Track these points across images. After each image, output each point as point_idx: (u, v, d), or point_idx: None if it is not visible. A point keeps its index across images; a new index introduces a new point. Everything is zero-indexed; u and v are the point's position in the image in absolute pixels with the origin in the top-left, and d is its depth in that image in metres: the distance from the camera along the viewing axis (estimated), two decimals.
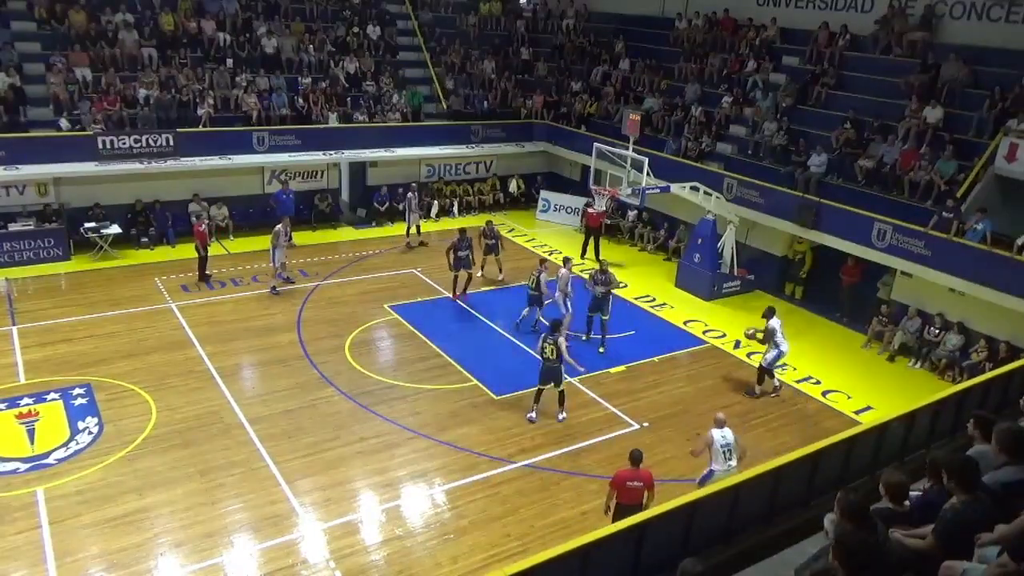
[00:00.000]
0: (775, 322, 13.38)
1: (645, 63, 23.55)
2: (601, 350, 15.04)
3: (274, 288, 16.79)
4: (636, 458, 8.92)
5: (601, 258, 15.15)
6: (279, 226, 16.67)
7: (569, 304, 15.23)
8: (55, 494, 9.91)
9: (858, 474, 7.66)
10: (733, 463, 9.65)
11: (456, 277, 16.94)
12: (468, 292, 17.12)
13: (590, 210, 20.29)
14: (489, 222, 18.31)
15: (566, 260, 15.71)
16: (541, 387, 12.33)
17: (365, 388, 13.06)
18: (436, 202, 23.00)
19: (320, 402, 12.56)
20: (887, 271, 16.39)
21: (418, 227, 20.56)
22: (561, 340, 12.00)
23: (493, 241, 17.92)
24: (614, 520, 8.08)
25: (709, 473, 9.65)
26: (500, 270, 18.33)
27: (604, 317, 15.06)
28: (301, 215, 20.80)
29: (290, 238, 16.96)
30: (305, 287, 17.30)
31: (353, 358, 14.11)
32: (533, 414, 12.38)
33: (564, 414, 12.43)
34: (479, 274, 18.16)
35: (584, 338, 15.39)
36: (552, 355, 11.97)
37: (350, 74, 22.86)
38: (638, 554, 6.13)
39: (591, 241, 20.52)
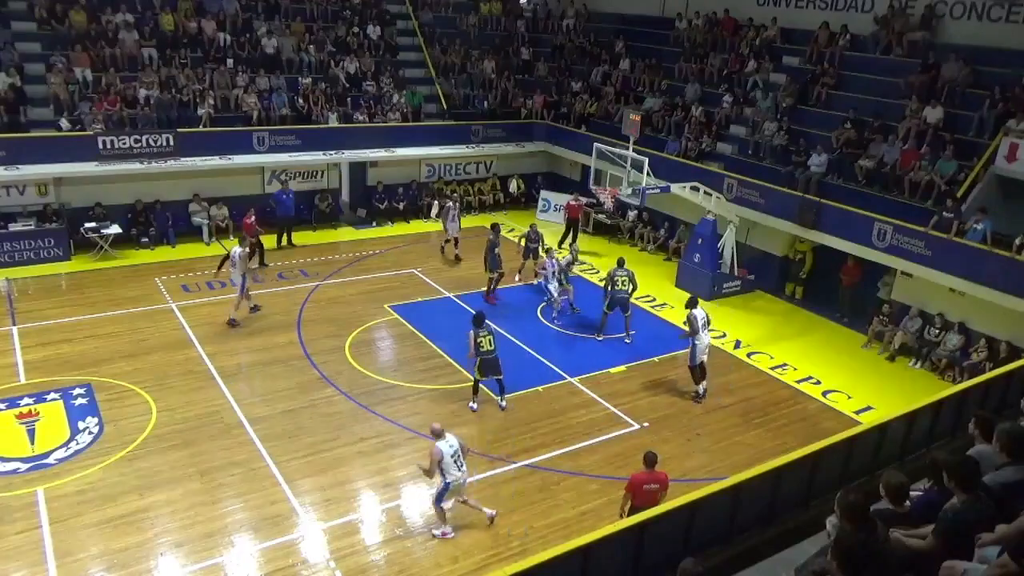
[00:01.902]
0: (696, 312, 13.04)
1: (645, 63, 23.55)
2: (628, 340, 15.40)
3: (256, 307, 15.68)
4: (651, 460, 8.83)
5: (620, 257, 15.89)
6: (239, 250, 15.01)
7: (554, 287, 16.10)
8: (55, 494, 9.92)
9: (858, 474, 7.66)
10: (464, 468, 9.43)
11: (492, 278, 16.93)
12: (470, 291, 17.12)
13: (572, 203, 21.21)
14: (533, 225, 18.42)
15: (549, 251, 17.10)
16: (480, 379, 12.43)
17: (365, 388, 13.06)
18: (436, 202, 23.00)
19: (320, 402, 12.56)
20: (887, 271, 16.39)
21: (456, 239, 19.46)
22: (471, 332, 12.08)
23: (536, 245, 17.97)
24: None
25: (445, 486, 9.30)
26: (536, 275, 18.29)
27: (626, 313, 15.34)
28: (301, 215, 20.81)
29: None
30: (306, 287, 17.30)
31: (353, 358, 14.11)
32: (474, 404, 12.56)
33: (505, 402, 12.64)
34: (516, 278, 18.24)
35: (599, 338, 15.48)
36: (490, 345, 12.11)
37: (350, 74, 22.86)
38: (638, 554, 6.14)
39: (570, 231, 21.23)
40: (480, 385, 12.51)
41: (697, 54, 22.55)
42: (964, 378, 13.51)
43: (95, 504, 9.78)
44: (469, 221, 22.90)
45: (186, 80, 20.28)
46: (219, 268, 15.73)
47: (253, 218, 17.75)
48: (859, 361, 15.43)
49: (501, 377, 12.51)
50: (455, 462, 9.28)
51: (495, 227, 17.25)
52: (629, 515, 8.48)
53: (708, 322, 13.29)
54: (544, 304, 17.06)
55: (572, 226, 21.27)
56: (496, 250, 16.74)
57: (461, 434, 11.69)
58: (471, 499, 9.82)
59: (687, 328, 13.04)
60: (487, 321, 12.40)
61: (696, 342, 12.97)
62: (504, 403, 12.68)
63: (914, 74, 17.46)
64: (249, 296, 15.51)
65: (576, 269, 17.65)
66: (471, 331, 12.11)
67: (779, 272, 18.79)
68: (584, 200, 21.43)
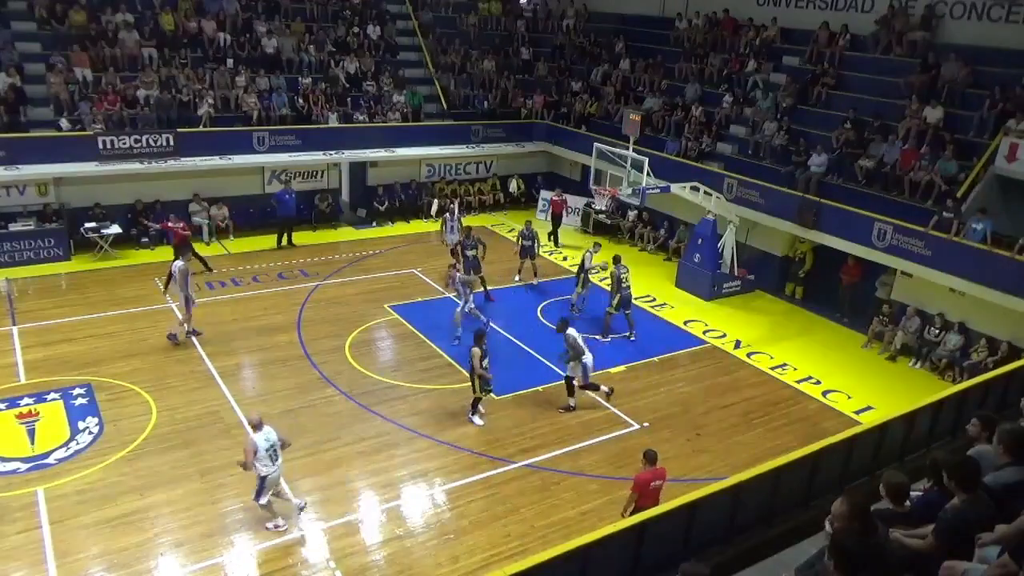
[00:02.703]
0: (572, 332, 12.44)
1: (645, 63, 23.55)
2: (633, 337, 15.64)
3: (191, 332, 14.29)
4: (653, 457, 8.78)
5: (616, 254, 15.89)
6: (181, 263, 13.88)
7: (466, 308, 15.18)
8: (55, 494, 9.92)
9: (858, 474, 7.67)
10: (280, 461, 9.20)
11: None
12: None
13: (555, 198, 21.65)
14: (528, 223, 18.34)
15: (453, 266, 16.25)
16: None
17: (365, 388, 13.06)
18: (436, 201, 23.02)
19: (320, 402, 12.56)
20: (885, 270, 16.37)
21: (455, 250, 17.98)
22: (476, 350, 11.62)
23: (530, 243, 17.85)
24: None
25: (261, 481, 9.10)
26: (535, 274, 18.18)
27: (628, 312, 15.57)
28: (302, 215, 20.81)
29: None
30: (306, 287, 17.30)
31: (353, 358, 14.11)
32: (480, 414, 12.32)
33: (473, 417, 12.21)
34: (516, 278, 18.21)
35: (606, 339, 15.45)
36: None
37: (350, 74, 22.86)
38: (638, 554, 6.14)
39: (556, 226, 21.49)
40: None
41: (697, 54, 22.56)
42: (964, 378, 13.51)
43: (95, 504, 9.78)
44: (469, 221, 22.91)
45: (186, 80, 20.28)
46: (165, 287, 14.61)
47: (182, 223, 17.57)
48: (859, 361, 15.43)
49: (479, 396, 12.02)
50: (270, 456, 9.04)
51: (467, 230, 16.92)
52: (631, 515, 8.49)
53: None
54: (545, 304, 17.06)
55: (557, 222, 21.50)
56: (470, 252, 16.30)
57: (463, 434, 11.82)
58: (285, 491, 9.58)
59: (571, 352, 12.42)
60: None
61: (585, 361, 12.43)
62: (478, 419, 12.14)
63: (914, 74, 17.45)
64: (189, 319, 14.17)
65: (595, 277, 17.12)
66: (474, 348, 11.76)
67: (779, 272, 18.79)
68: (566, 195, 21.89)
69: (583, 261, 16.35)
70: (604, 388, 12.92)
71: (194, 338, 14.31)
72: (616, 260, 15.63)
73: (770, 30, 21.45)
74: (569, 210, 22.56)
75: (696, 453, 11.82)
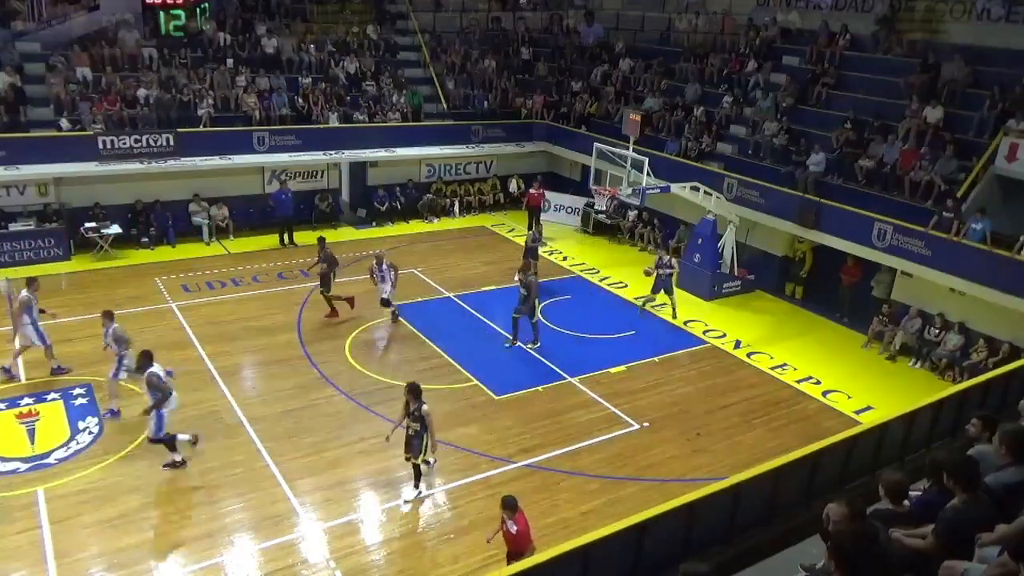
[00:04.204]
0: (156, 369, 10.17)
1: (645, 63, 23.55)
2: (518, 344, 14.95)
3: (58, 369, 12.87)
4: (514, 504, 8.07)
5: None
6: (25, 293, 12.23)
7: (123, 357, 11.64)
8: (55, 494, 9.92)
9: (858, 474, 7.67)
10: None
11: (343, 299, 15.71)
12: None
13: (532, 191, 22.05)
14: (538, 227, 18.37)
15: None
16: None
17: (365, 388, 13.06)
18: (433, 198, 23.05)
19: (320, 402, 12.56)
20: (880, 269, 16.34)
21: (386, 300, 15.50)
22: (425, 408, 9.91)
23: (535, 245, 18.10)
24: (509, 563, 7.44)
25: None
26: (536, 274, 18.32)
27: (530, 318, 14.90)
28: (301, 215, 20.81)
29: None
30: (306, 287, 17.28)
31: (353, 358, 14.11)
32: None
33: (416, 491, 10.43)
34: (516, 278, 18.11)
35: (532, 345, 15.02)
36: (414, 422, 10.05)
37: (350, 74, 22.86)
38: (638, 554, 6.14)
39: (533, 218, 21.65)
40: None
41: (697, 54, 22.56)
42: (964, 378, 13.50)
43: (95, 504, 9.78)
44: (469, 221, 22.98)
45: (186, 80, 20.28)
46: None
47: None
48: (859, 361, 15.42)
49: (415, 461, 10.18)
50: None
51: (321, 240, 16.08)
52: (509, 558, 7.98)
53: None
54: (544, 303, 17.03)
55: (533, 214, 21.63)
56: (330, 267, 15.44)
57: (463, 434, 11.81)
58: None
59: (148, 395, 10.13)
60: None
61: (167, 407, 10.25)
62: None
63: (914, 74, 17.45)
64: (51, 352, 12.81)
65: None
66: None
67: (779, 272, 18.78)
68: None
69: (656, 264, 16.66)
70: (177, 457, 10.38)
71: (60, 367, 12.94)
72: (526, 268, 15.04)
73: (770, 30, 21.45)
74: (548, 204, 22.82)
75: (696, 453, 11.81)
